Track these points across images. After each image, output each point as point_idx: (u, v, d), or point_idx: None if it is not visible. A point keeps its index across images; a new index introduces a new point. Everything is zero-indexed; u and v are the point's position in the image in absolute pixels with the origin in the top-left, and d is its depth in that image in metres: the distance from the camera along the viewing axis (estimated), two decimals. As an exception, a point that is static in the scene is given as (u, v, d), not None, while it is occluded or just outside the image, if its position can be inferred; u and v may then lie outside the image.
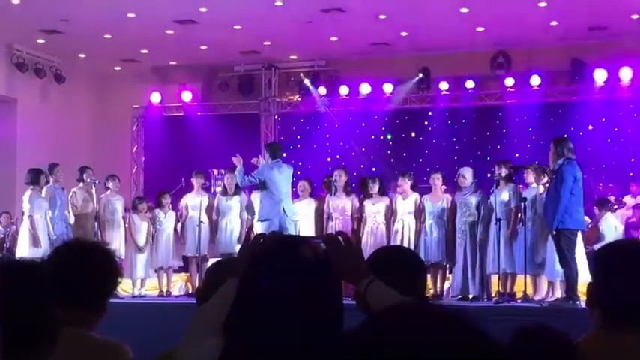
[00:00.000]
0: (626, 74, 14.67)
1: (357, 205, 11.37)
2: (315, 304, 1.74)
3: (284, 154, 11.82)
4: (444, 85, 15.85)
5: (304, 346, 1.68)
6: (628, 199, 13.14)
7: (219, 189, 12.64)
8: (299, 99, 16.90)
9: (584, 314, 2.55)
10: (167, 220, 12.07)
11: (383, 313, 1.14)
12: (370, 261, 2.46)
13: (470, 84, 15.65)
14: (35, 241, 11.23)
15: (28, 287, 1.99)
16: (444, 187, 11.13)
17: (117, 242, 11.51)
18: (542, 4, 13.10)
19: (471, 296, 10.51)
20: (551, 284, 10.16)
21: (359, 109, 16.33)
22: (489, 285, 10.63)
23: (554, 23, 14.09)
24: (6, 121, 16.02)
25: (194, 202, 11.99)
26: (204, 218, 11.81)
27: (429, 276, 9.44)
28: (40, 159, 12.59)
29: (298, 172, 13.43)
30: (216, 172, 14.24)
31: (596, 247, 7.58)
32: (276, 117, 17.19)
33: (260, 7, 13.22)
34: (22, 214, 11.78)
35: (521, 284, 10.19)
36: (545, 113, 15.52)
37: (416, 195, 11.10)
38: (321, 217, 11.55)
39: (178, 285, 12.67)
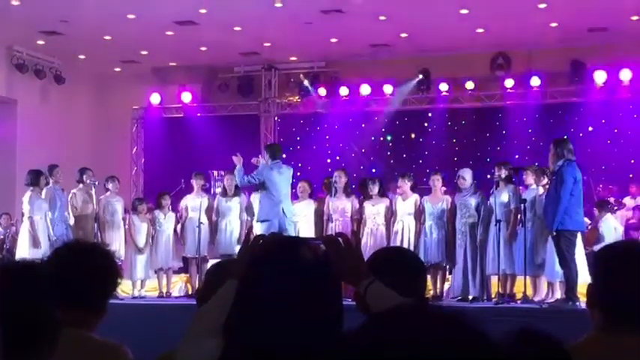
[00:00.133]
0: (625, 75, 14.67)
1: (357, 206, 11.37)
2: (315, 306, 1.74)
3: (284, 155, 11.80)
4: (443, 87, 15.84)
5: (304, 348, 1.68)
6: (628, 201, 13.15)
7: (218, 190, 12.65)
8: (299, 100, 16.89)
9: (584, 315, 2.54)
10: (167, 221, 12.07)
11: (383, 314, 1.14)
12: (370, 262, 2.46)
13: (470, 85, 15.64)
14: (35, 242, 11.22)
15: (28, 288, 1.98)
16: (443, 188, 11.13)
17: (117, 243, 11.50)
18: (542, 6, 13.09)
19: (470, 297, 10.51)
20: (551, 285, 10.16)
21: (359, 110, 16.32)
22: (489, 286, 10.62)
23: (554, 24, 14.07)
24: (6, 122, 16.01)
25: (194, 203, 11.98)
26: (204, 219, 11.80)
27: (428, 277, 9.42)
28: (39, 160, 12.58)
29: (298, 173, 13.42)
30: (216, 173, 14.25)
31: (596, 248, 7.56)
32: (276, 118, 17.18)
33: (260, 8, 13.21)
34: (22, 215, 11.77)
35: (521, 285, 10.19)
36: (545, 114, 15.52)
37: (416, 196, 11.10)
38: (320, 218, 11.55)
39: (178, 286, 12.66)
